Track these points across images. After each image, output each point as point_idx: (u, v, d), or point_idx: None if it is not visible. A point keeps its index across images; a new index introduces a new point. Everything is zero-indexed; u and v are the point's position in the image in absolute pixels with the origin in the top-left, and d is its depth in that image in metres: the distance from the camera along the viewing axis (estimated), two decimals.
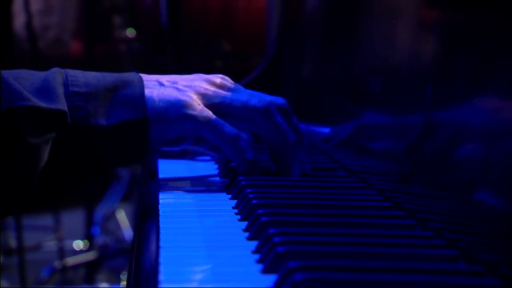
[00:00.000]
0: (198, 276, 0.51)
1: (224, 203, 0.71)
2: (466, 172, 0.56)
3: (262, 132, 0.74)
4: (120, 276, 2.21)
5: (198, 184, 0.79)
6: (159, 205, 0.69)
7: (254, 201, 0.65)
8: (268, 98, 0.75)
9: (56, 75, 0.68)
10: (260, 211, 0.61)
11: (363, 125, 0.82)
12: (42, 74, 0.68)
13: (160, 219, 0.65)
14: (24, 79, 0.66)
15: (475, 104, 0.56)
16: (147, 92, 0.70)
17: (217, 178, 0.81)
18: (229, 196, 0.74)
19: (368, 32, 0.85)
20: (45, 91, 0.66)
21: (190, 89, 0.71)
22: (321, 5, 1.07)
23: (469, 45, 0.58)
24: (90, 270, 2.28)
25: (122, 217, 2.55)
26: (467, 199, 0.55)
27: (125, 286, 1.92)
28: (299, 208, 0.66)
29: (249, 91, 0.77)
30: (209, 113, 0.71)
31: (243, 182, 0.73)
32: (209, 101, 0.72)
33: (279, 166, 0.76)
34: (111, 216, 2.56)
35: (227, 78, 0.77)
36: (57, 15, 3.12)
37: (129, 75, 0.71)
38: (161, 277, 0.50)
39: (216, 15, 2.00)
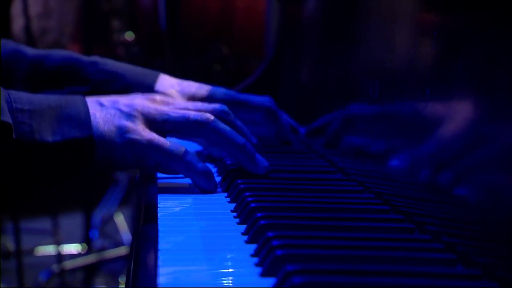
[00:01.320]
0: (197, 279, 0.51)
1: (222, 206, 0.72)
2: (464, 176, 0.56)
3: (212, 142, 0.76)
4: (119, 279, 2.21)
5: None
6: (158, 208, 0.69)
7: (252, 204, 0.65)
8: (208, 107, 0.76)
9: (0, 92, 0.67)
10: (258, 214, 0.62)
11: (360, 128, 0.82)
12: None
13: (159, 222, 0.65)
14: None
15: (473, 107, 0.56)
16: (91, 113, 0.70)
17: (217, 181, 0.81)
18: (228, 199, 0.74)
19: (366, 36, 0.85)
20: None
21: (133, 110, 0.71)
22: (320, 9, 1.08)
23: (467, 48, 0.58)
24: (88, 273, 2.28)
25: (121, 220, 2.55)
26: (464, 202, 0.55)
27: None
28: (298, 212, 0.66)
29: (188, 104, 0.77)
30: (152, 136, 0.71)
31: (241, 186, 0.73)
32: (152, 121, 0.72)
33: (243, 167, 0.77)
34: (110, 220, 2.55)
35: (163, 95, 0.78)
36: (55, 19, 3.12)
37: (71, 96, 0.71)
38: (160, 280, 0.50)
39: (215, 19, 2.00)
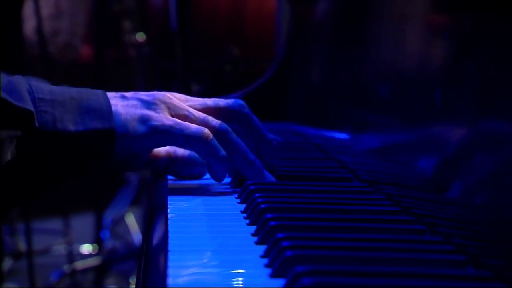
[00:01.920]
0: (207, 279, 0.51)
1: (232, 207, 0.71)
2: (475, 177, 0.56)
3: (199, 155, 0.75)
4: (129, 280, 2.22)
5: (207, 188, 0.79)
6: (168, 209, 0.69)
7: (262, 206, 0.65)
8: (208, 123, 0.74)
9: (20, 80, 0.67)
10: (268, 216, 0.61)
11: (371, 130, 0.82)
12: (5, 77, 0.67)
13: (169, 223, 0.65)
14: None
15: (484, 108, 0.56)
16: (112, 104, 0.70)
17: (226, 181, 0.81)
18: (238, 200, 0.74)
19: (376, 37, 0.85)
20: (12, 91, 0.65)
21: (154, 99, 0.71)
22: (330, 10, 1.07)
23: (478, 49, 0.58)
24: (99, 274, 2.28)
25: (131, 221, 2.55)
26: (476, 205, 0.55)
27: None
28: (308, 213, 0.66)
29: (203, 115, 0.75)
30: (174, 121, 0.71)
31: (251, 187, 0.73)
32: (174, 112, 0.72)
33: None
34: (120, 220, 2.56)
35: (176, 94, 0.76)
36: (67, 20, 3.13)
37: (92, 89, 0.71)
38: (170, 280, 0.50)
39: (226, 20, 2.00)
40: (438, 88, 0.64)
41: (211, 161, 0.72)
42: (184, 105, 0.74)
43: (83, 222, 2.58)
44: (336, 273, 0.49)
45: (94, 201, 2.44)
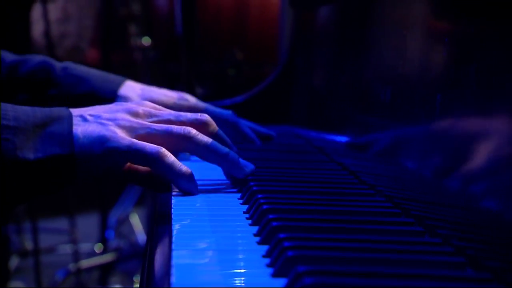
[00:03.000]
0: (210, 279, 0.51)
1: (235, 207, 0.71)
2: (474, 180, 0.55)
3: (196, 154, 0.75)
4: (133, 278, 2.22)
5: (210, 189, 0.79)
6: (172, 209, 0.69)
7: (265, 206, 0.65)
8: (190, 118, 0.76)
9: None
10: (271, 216, 0.61)
11: (372, 133, 0.82)
12: None
13: (173, 222, 0.65)
14: None
15: (484, 112, 0.56)
16: (73, 128, 0.70)
17: (229, 182, 0.81)
18: (241, 201, 0.74)
19: (378, 42, 0.85)
20: None
21: (113, 123, 0.72)
22: (332, 15, 1.07)
23: (478, 54, 0.58)
24: (104, 272, 2.28)
25: (136, 221, 2.55)
26: (475, 207, 0.55)
27: None
28: (309, 214, 0.65)
29: (171, 114, 0.76)
30: (131, 141, 0.71)
31: (254, 188, 0.73)
32: (134, 134, 0.72)
33: (227, 174, 0.79)
34: (125, 220, 2.56)
35: (147, 103, 0.77)
36: (74, 24, 3.14)
37: (59, 111, 0.71)
38: (173, 279, 0.50)
39: (230, 24, 2.01)
40: (439, 92, 0.64)
41: (172, 178, 0.73)
42: (144, 123, 0.74)
43: (88, 222, 2.58)
44: (337, 273, 0.48)
45: (99, 202, 2.44)
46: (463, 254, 0.55)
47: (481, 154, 0.55)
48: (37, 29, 2.79)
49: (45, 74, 0.98)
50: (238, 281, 0.51)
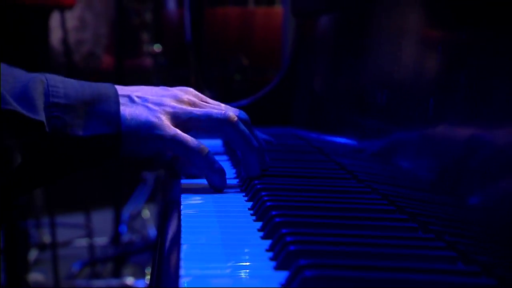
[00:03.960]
0: (216, 272, 0.51)
1: (240, 204, 0.71)
2: (466, 179, 0.55)
3: (229, 139, 0.75)
4: (145, 270, 2.22)
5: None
6: (181, 205, 0.69)
7: (268, 203, 0.65)
8: (230, 110, 0.76)
9: (37, 84, 0.67)
10: (274, 212, 0.61)
11: (369, 134, 0.81)
12: (23, 78, 0.67)
13: (182, 218, 0.65)
14: (6, 81, 0.64)
15: (475, 115, 0.55)
16: (120, 109, 0.70)
17: (235, 181, 0.81)
18: (246, 198, 0.74)
19: (374, 49, 0.85)
20: (25, 99, 0.65)
21: (160, 109, 0.71)
22: (332, 24, 1.07)
23: (469, 61, 0.58)
24: (117, 265, 2.28)
25: (147, 216, 2.56)
26: (465, 205, 0.55)
27: (149, 280, 1.92)
28: (310, 210, 0.65)
29: (214, 103, 0.76)
30: (176, 132, 0.71)
31: (258, 186, 0.72)
32: (177, 119, 0.72)
33: (246, 167, 0.77)
34: (137, 216, 2.56)
35: (191, 91, 0.76)
36: (90, 31, 3.14)
37: (106, 88, 0.70)
38: (182, 272, 0.50)
39: (236, 32, 2.00)
40: (432, 96, 0.64)
41: (207, 173, 0.73)
42: (186, 108, 0.73)
43: (103, 217, 2.58)
44: (336, 267, 0.48)
45: (113, 198, 2.44)
46: (454, 249, 0.55)
47: (471, 155, 0.55)
48: (55, 36, 2.79)
49: None
50: (243, 273, 0.51)
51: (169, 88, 0.76)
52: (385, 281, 0.47)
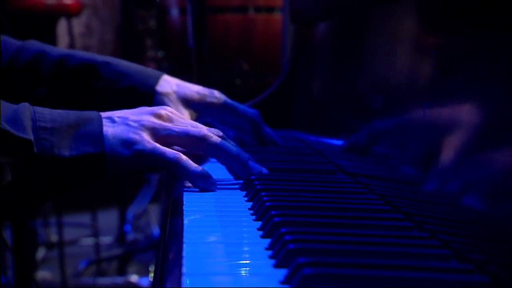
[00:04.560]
0: (217, 269, 0.51)
1: (240, 204, 0.71)
2: (459, 180, 0.55)
3: (208, 155, 0.78)
4: (149, 268, 2.21)
5: (218, 187, 0.78)
6: (183, 205, 0.69)
7: (267, 203, 0.65)
8: (205, 129, 0.77)
9: (25, 110, 0.69)
10: (273, 212, 0.61)
11: (366, 137, 0.81)
12: (13, 107, 0.69)
13: (184, 217, 0.64)
14: None
15: (467, 117, 0.55)
16: (103, 129, 0.71)
17: (235, 181, 0.81)
18: (246, 198, 0.73)
19: (371, 55, 0.85)
20: (14, 121, 0.67)
21: (139, 125, 0.72)
22: (329, 30, 1.07)
23: (462, 66, 0.57)
24: (122, 263, 2.28)
25: (151, 216, 2.55)
26: (459, 204, 0.54)
27: (153, 278, 1.91)
28: (308, 210, 0.65)
29: (192, 122, 0.78)
30: (154, 145, 0.72)
31: (258, 186, 0.72)
32: (157, 135, 0.73)
33: (233, 174, 0.79)
34: (142, 215, 2.56)
35: (170, 109, 0.78)
36: (97, 38, 3.14)
37: (89, 113, 0.72)
38: (184, 269, 0.49)
39: (237, 38, 2.00)
40: (426, 99, 0.63)
41: (188, 179, 0.74)
42: (166, 124, 0.74)
43: (108, 217, 2.58)
44: (333, 264, 0.48)
45: (119, 198, 2.44)
46: (448, 247, 0.55)
47: (465, 157, 0.55)
48: (63, 42, 2.79)
49: (89, 69, 0.95)
50: (243, 271, 0.51)
51: (147, 107, 0.77)
52: (381, 279, 0.46)
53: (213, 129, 0.78)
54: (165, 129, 0.74)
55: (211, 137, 0.75)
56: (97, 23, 3.15)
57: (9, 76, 0.95)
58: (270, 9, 2.02)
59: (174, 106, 0.94)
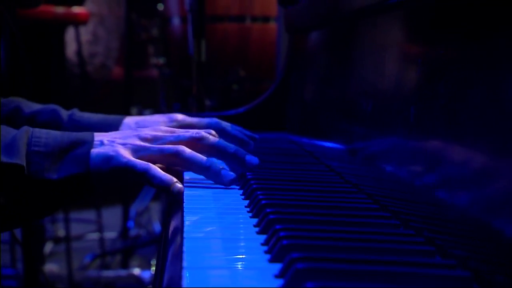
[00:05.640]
0: (215, 263, 0.51)
1: (238, 202, 0.71)
2: (444, 181, 0.55)
3: (182, 167, 0.78)
4: (151, 262, 2.21)
5: (216, 186, 0.78)
6: (183, 203, 0.69)
7: (263, 202, 0.65)
8: (186, 136, 0.79)
9: (23, 135, 0.71)
10: (268, 210, 0.61)
11: (355, 139, 0.81)
12: (13, 132, 0.71)
13: (184, 215, 0.64)
14: (3, 135, 0.69)
15: (452, 121, 0.55)
16: (92, 150, 0.73)
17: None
18: (243, 196, 0.73)
19: (360, 62, 0.84)
20: (11, 147, 0.69)
21: (121, 146, 0.74)
22: (322, 39, 1.07)
23: (446, 73, 0.57)
24: (125, 257, 2.28)
25: (153, 213, 2.55)
26: (443, 204, 0.54)
27: (154, 271, 1.91)
28: (302, 208, 0.65)
29: (174, 136, 0.79)
30: (128, 159, 0.73)
31: (254, 186, 0.72)
32: (137, 154, 0.75)
33: (213, 181, 0.79)
34: (144, 212, 2.56)
35: (161, 128, 0.79)
36: (103, 45, 3.13)
37: (84, 136, 0.74)
38: (184, 263, 0.49)
39: (234, 46, 2.00)
40: (412, 105, 0.63)
41: (158, 188, 0.74)
42: (145, 145, 0.76)
43: (112, 213, 2.58)
44: (325, 259, 0.48)
45: (122, 197, 2.43)
46: (432, 244, 0.54)
47: (448, 158, 0.55)
48: (71, 49, 2.79)
49: (55, 125, 0.99)
50: (240, 265, 0.51)
51: (138, 129, 0.79)
52: (369, 273, 0.46)
53: (198, 133, 0.79)
54: (144, 148, 0.75)
55: (183, 152, 0.76)
56: (103, 31, 3.14)
57: None
58: (266, 19, 2.02)
59: None
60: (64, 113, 1.00)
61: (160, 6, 2.17)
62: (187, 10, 1.57)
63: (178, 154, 0.76)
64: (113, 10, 3.12)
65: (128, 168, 0.72)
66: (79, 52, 2.34)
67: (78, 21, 2.19)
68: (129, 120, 1.00)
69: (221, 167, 0.77)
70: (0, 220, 0.69)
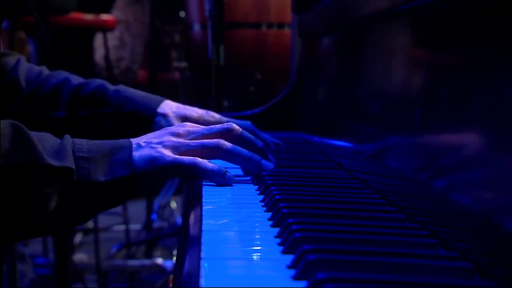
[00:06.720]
0: (232, 254, 0.51)
1: (253, 197, 0.71)
2: (447, 177, 0.55)
3: (224, 159, 0.77)
4: (173, 252, 2.22)
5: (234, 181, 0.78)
6: (202, 197, 0.69)
7: (277, 197, 0.65)
8: (219, 128, 0.78)
9: (68, 141, 0.71)
10: (281, 205, 0.61)
11: (364, 139, 0.81)
12: (57, 139, 0.71)
13: (203, 208, 0.64)
14: (46, 141, 0.69)
15: (455, 122, 0.55)
16: (133, 154, 0.72)
17: (249, 177, 0.81)
18: (258, 192, 0.73)
19: (369, 66, 0.84)
20: (60, 151, 0.69)
21: (160, 145, 0.74)
22: (332, 44, 1.07)
23: (450, 77, 0.57)
24: (149, 247, 2.29)
25: (175, 206, 2.56)
26: (447, 199, 0.54)
27: (175, 261, 1.92)
28: (313, 203, 0.65)
29: (205, 128, 0.78)
30: (174, 157, 0.73)
31: (268, 182, 0.72)
32: (177, 150, 0.74)
33: (250, 172, 0.80)
34: (166, 206, 2.57)
35: (187, 124, 0.79)
36: (128, 50, 3.15)
37: (122, 142, 0.74)
38: (203, 254, 0.49)
39: (251, 51, 2.00)
40: (418, 106, 0.63)
41: (207, 178, 0.74)
42: (184, 141, 0.76)
43: (137, 207, 2.59)
44: (334, 251, 0.48)
45: (146, 191, 2.44)
46: (436, 237, 0.54)
47: (451, 156, 0.54)
48: (99, 53, 2.80)
49: (101, 95, 0.99)
50: (255, 256, 0.51)
51: (169, 128, 0.78)
52: (376, 264, 0.46)
53: (229, 125, 0.79)
54: (184, 145, 0.75)
55: (224, 144, 0.76)
56: (129, 37, 3.16)
57: (35, 99, 0.99)
58: (281, 25, 2.02)
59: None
60: (111, 86, 1.01)
61: (182, 14, 2.18)
62: (207, 17, 1.58)
63: (221, 147, 0.75)
64: (138, 17, 3.13)
65: (176, 165, 0.72)
66: (106, 57, 2.36)
67: (106, 28, 2.20)
68: (170, 102, 1.00)
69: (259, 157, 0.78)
70: (51, 224, 0.69)
